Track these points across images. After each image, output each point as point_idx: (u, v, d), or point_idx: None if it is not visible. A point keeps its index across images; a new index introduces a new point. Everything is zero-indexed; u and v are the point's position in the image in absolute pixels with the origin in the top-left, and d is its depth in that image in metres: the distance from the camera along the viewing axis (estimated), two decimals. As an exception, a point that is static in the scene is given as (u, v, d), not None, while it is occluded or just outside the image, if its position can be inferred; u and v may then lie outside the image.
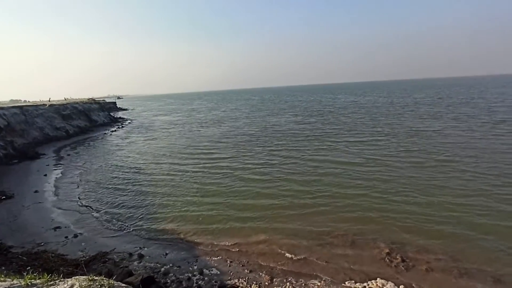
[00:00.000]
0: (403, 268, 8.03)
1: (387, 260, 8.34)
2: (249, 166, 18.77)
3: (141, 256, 9.78)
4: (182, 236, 10.98)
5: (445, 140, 21.71)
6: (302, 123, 36.39)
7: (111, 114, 64.58)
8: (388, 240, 9.45)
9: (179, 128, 41.22)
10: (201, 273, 8.65)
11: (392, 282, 7.49)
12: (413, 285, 7.45)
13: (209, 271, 8.75)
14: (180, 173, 18.33)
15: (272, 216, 11.72)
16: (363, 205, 12.04)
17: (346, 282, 7.73)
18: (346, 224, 10.67)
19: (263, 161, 19.65)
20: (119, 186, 16.78)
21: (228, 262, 9.15)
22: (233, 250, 9.79)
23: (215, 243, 10.31)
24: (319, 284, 7.82)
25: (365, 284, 7.50)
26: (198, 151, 24.26)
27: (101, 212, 13.59)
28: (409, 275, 7.82)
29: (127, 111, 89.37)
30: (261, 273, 8.42)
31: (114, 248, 10.30)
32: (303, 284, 7.85)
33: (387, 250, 8.72)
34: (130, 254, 9.90)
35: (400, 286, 7.16)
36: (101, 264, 9.45)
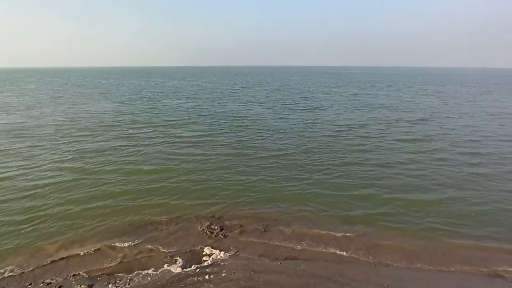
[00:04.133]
0: (221, 236, 9.74)
1: (209, 232, 9.84)
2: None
3: None
4: None
5: (261, 125, 27.35)
6: (113, 113, 33.37)
7: None
8: (208, 214, 11.11)
9: None
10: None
11: (215, 249, 9.30)
12: (231, 247, 9.25)
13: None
14: None
15: (74, 222, 10.71)
16: (179, 188, 13.38)
17: (172, 266, 8.48)
18: (167, 209, 11.53)
19: (52, 168, 15.85)
20: None
21: (26, 285, 7.75)
22: (30, 269, 8.32)
23: (3, 268, 8.37)
24: (145, 274, 8.10)
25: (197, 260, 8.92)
26: None
27: None
28: (227, 241, 9.59)
29: None
30: (75, 285, 7.72)
31: None
32: (128, 280, 7.89)
33: (207, 223, 10.28)
34: None
35: (213, 248, 9.01)
36: None
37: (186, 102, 42.25)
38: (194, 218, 10.90)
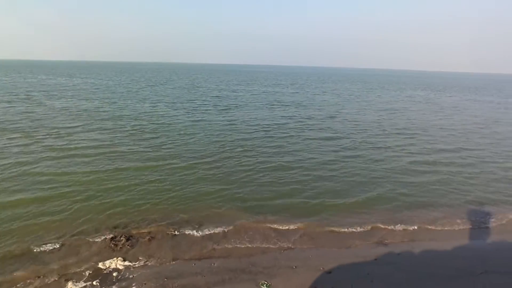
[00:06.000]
0: (128, 246, 9.37)
1: (113, 245, 9.31)
2: None
3: None
4: None
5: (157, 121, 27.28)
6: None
7: None
8: (110, 226, 10.48)
9: None
10: None
11: (122, 262, 8.94)
12: (140, 257, 8.97)
13: None
14: None
15: None
16: (71, 205, 12.07)
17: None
18: (60, 229, 10.41)
19: None
20: None
21: None
22: None
23: None
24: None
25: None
26: None
27: None
28: (135, 251, 9.27)
29: None
30: None
31: None
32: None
33: (111, 236, 9.70)
34: None
35: (119, 261, 8.59)
36: None
37: (78, 104, 37.26)
38: (94, 233, 10.08)
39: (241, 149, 20.30)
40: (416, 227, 11.56)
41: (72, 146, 19.62)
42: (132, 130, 24.69)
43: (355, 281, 8.35)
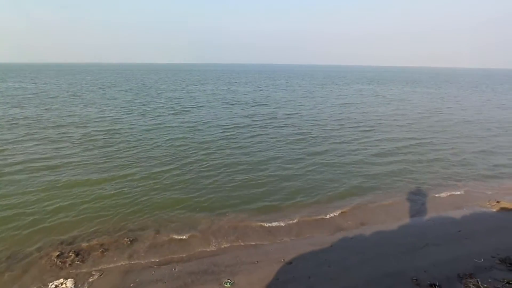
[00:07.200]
0: (78, 262, 8.86)
1: (60, 263, 8.74)
2: None
3: None
4: None
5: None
6: None
7: None
8: (56, 242, 9.85)
9: None
10: None
11: (72, 280, 8.57)
12: (92, 272, 8.52)
13: None
14: None
15: None
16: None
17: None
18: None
19: None
20: None
21: None
22: None
23: None
24: None
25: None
26: None
27: None
28: (86, 266, 8.81)
29: None
30: None
31: None
32: None
33: (57, 253, 9.09)
34: None
35: (68, 279, 8.16)
36: None
37: (12, 112, 32.38)
38: (35, 253, 9.31)
39: (205, 153, 19.70)
40: (367, 212, 12.57)
41: (8, 161, 17.52)
42: (81, 139, 22.60)
43: (314, 268, 8.88)
